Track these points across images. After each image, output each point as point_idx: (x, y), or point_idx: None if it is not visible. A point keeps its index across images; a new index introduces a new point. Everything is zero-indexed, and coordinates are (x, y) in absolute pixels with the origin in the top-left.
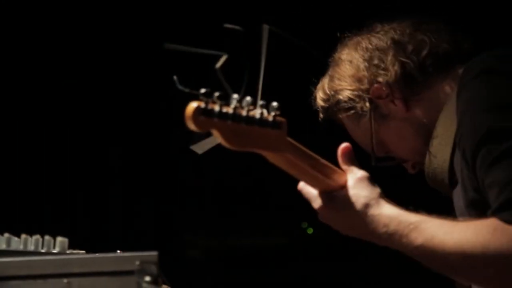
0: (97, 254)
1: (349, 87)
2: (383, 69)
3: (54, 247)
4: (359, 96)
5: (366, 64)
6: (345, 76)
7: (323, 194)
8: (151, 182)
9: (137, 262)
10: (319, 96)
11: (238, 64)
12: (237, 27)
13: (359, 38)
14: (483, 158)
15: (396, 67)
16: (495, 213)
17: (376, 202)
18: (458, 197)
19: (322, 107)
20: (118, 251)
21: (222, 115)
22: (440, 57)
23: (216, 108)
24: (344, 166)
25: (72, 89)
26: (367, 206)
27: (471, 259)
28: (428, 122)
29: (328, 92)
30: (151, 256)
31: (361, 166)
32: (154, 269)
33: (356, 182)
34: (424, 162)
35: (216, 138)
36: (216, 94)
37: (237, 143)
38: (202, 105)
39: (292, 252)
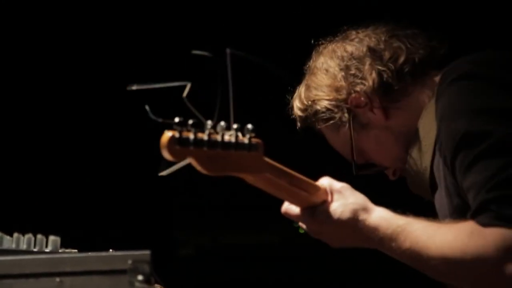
0: (89, 253)
1: (326, 97)
2: (361, 78)
3: (46, 246)
4: (337, 106)
5: (343, 73)
6: (322, 85)
7: (308, 210)
8: (143, 181)
9: (130, 261)
10: (296, 105)
11: (209, 90)
12: (205, 53)
13: (334, 46)
14: (460, 163)
15: (373, 76)
16: (472, 216)
17: (365, 207)
18: (440, 203)
19: (299, 116)
20: (111, 250)
21: (197, 142)
22: (416, 64)
23: (191, 136)
24: (321, 181)
25: (65, 90)
26: (356, 212)
27: (451, 264)
28: (407, 129)
29: (305, 102)
30: (143, 255)
31: (341, 176)
32: (146, 268)
33: (339, 193)
34: (405, 168)
35: (192, 164)
36: (190, 122)
37: (214, 169)
38: (177, 134)
39: (283, 250)
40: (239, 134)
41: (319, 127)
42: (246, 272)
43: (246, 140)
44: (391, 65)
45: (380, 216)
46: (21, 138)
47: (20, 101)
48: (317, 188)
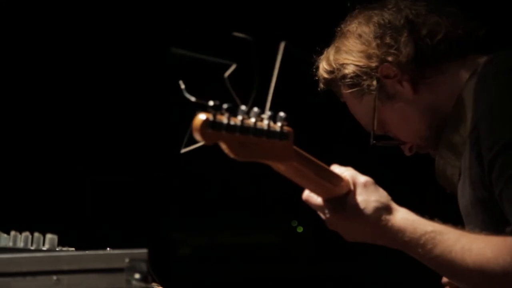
0: (86, 251)
1: (356, 63)
2: (395, 49)
3: (43, 244)
4: (366, 73)
5: (378, 41)
6: (354, 50)
7: (330, 202)
8: (142, 180)
9: (127, 260)
10: (323, 67)
11: (246, 74)
12: (246, 36)
13: (371, 12)
14: (503, 167)
15: (408, 49)
16: None
17: (388, 207)
18: (462, 194)
19: (324, 78)
20: (108, 249)
21: (230, 127)
22: (454, 43)
23: (224, 120)
24: (345, 173)
25: (67, 87)
26: (378, 210)
27: (490, 279)
28: (435, 107)
29: (333, 64)
30: (140, 254)
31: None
32: (143, 266)
33: (363, 187)
34: (423, 145)
35: (222, 148)
36: (225, 106)
37: (244, 155)
38: (210, 117)
39: (282, 250)
40: (271, 122)
41: (343, 91)
42: (244, 272)
43: (278, 128)
44: (427, 40)
45: (405, 219)
46: (19, 137)
47: (17, 100)
48: (340, 179)
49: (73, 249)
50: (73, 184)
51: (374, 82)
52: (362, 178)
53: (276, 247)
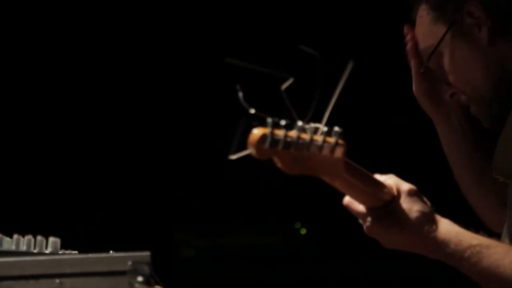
0: (89, 255)
1: None
2: None
3: (46, 248)
4: (454, 2)
5: None
6: None
7: (372, 210)
8: (144, 182)
9: (129, 262)
10: None
11: (306, 89)
12: (313, 51)
13: None
14: None
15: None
16: None
17: (431, 217)
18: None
19: None
20: (111, 251)
21: (286, 144)
22: None
23: (281, 136)
24: (388, 180)
25: (63, 90)
26: (421, 220)
27: None
28: (503, 67)
29: None
30: (143, 257)
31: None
32: (146, 269)
33: (407, 195)
34: (470, 96)
35: (274, 161)
36: (283, 122)
37: (295, 170)
38: (267, 133)
39: (285, 252)
40: (326, 137)
41: (423, 8)
42: (247, 273)
43: (332, 143)
44: None
45: (449, 230)
46: (21, 138)
47: (19, 101)
48: (383, 186)
49: (76, 252)
50: (76, 187)
51: (455, 14)
52: (406, 186)
53: (278, 249)
